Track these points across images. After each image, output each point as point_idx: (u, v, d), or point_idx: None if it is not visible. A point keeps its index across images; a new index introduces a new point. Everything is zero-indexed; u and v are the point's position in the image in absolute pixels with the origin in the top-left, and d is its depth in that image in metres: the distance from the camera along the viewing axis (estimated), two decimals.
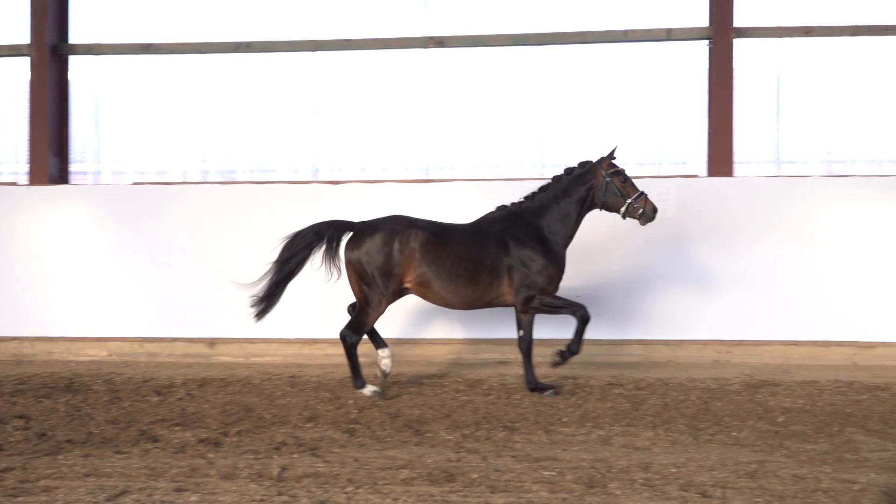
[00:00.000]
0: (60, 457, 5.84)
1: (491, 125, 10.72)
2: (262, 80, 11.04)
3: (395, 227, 7.89)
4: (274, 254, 7.99)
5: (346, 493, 5.13)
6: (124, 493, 5.10)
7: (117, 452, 5.96)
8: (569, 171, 8.17)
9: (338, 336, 7.90)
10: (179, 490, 5.16)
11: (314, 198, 10.05)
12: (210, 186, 10.53)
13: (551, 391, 7.82)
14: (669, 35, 10.40)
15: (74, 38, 11.23)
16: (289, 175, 10.83)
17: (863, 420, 6.81)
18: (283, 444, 6.17)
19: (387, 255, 7.76)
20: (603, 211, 8.14)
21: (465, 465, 5.67)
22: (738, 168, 10.24)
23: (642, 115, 10.55)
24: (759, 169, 10.41)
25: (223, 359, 9.84)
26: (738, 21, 10.22)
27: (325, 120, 10.94)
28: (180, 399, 7.67)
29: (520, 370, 8.82)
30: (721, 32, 10.17)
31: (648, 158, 10.55)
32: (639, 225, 8.11)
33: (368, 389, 7.82)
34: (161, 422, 6.80)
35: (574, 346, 7.86)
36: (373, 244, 7.80)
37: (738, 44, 10.26)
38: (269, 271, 7.99)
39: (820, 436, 6.39)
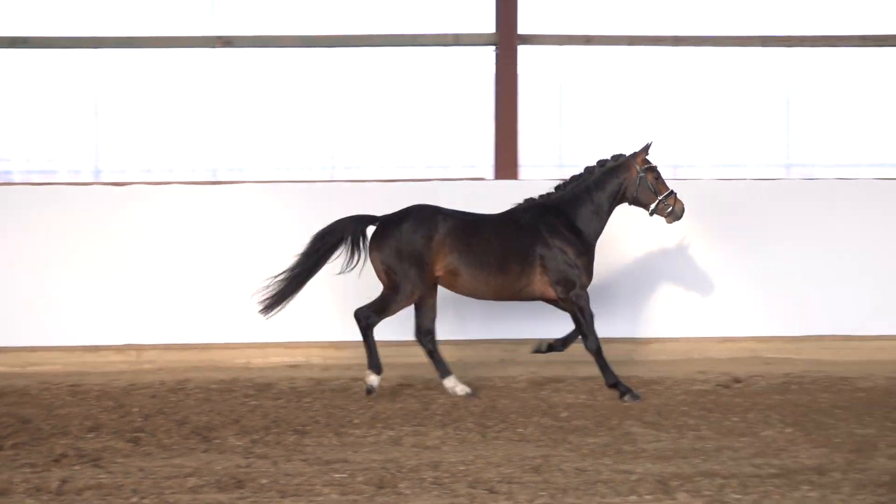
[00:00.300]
0: None
1: (281, 127, 10.62)
2: (40, 77, 10.56)
3: (422, 215, 7.80)
4: (298, 250, 7.87)
5: (131, 503, 4.99)
6: None
7: None
8: (602, 163, 8.06)
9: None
10: None
11: (96, 200, 9.69)
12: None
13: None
14: (457, 40, 10.57)
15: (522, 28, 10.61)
16: (70, 177, 10.40)
17: (640, 413, 7.12)
18: (64, 455, 5.93)
19: (415, 244, 7.66)
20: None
21: (254, 471, 5.61)
22: (523, 171, 10.51)
23: (432, 118, 10.68)
24: (543, 172, 10.71)
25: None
26: (523, 28, 10.48)
27: (108, 120, 10.56)
28: None
29: (310, 373, 8.80)
30: (506, 39, 10.42)
31: (437, 161, 10.68)
32: (665, 223, 8.10)
33: (370, 380, 7.76)
34: None
35: (610, 380, 7.77)
36: (400, 234, 7.69)
37: (524, 50, 10.52)
38: (289, 267, 7.82)
39: (601, 429, 6.65)
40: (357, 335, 7.92)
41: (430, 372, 8.65)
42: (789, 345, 9.60)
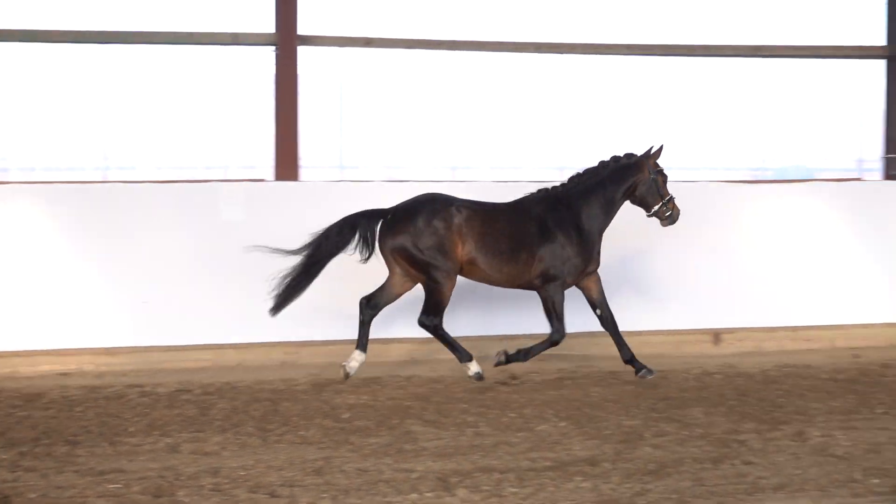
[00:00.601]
0: None
1: (51, 125, 10.20)
2: None
3: (436, 205, 7.98)
4: (303, 248, 8.03)
5: None
6: None
7: None
8: (616, 158, 8.32)
9: None
10: None
11: None
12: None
13: (645, 371, 8.28)
14: (236, 39, 10.42)
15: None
16: None
17: (420, 412, 7.21)
18: None
19: (435, 231, 7.88)
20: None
21: (21, 485, 5.37)
22: (304, 172, 10.46)
23: (211, 118, 10.50)
24: (324, 173, 10.71)
25: None
26: (303, 29, 10.43)
27: None
28: None
29: (83, 380, 8.50)
30: (286, 39, 10.33)
31: (217, 162, 10.52)
32: (661, 226, 8.47)
33: (472, 368, 8.14)
34: None
35: (524, 355, 8.22)
36: (417, 226, 7.89)
37: (304, 51, 10.48)
38: (295, 265, 8.03)
39: (382, 429, 6.69)
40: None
41: (210, 377, 8.52)
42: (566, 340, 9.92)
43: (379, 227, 8.18)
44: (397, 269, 8.22)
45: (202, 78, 10.53)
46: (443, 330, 8.18)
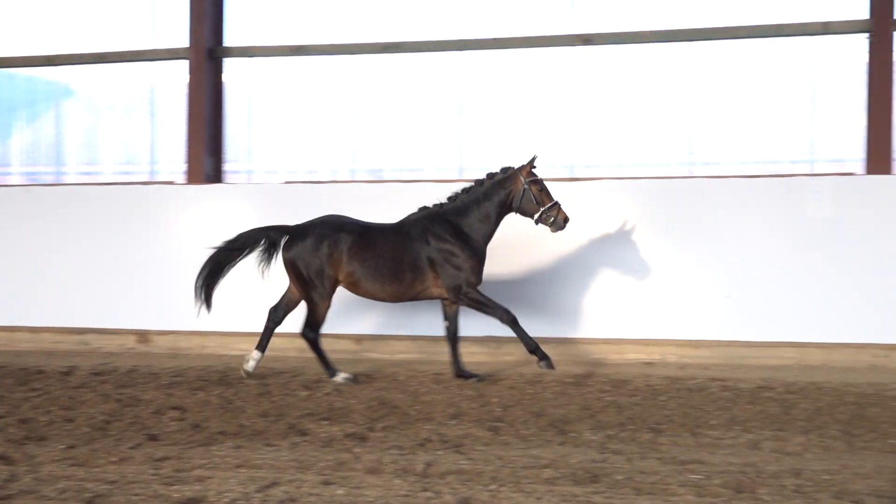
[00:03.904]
0: (213, 447, 6.02)
1: (637, 123, 10.59)
2: (409, 80, 11.17)
3: (324, 230, 8.42)
4: (218, 243, 8.56)
5: (490, 490, 5.14)
6: (274, 484, 5.23)
7: (267, 445, 6.11)
8: (491, 175, 8.54)
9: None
10: (326, 483, 5.26)
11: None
12: (358, 185, 10.72)
13: (475, 378, 8.34)
14: (827, 28, 10.07)
15: (229, 40, 11.57)
16: (435, 174, 10.93)
17: None
18: (428, 440, 6.22)
19: (319, 257, 8.32)
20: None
21: (609, 466, 5.61)
22: None
23: (794, 110, 10.25)
24: None
25: (370, 355, 9.99)
26: None
27: (470, 119, 11.00)
28: (328, 394, 7.81)
29: (666, 371, 8.72)
30: (881, 25, 9.79)
31: (802, 156, 10.25)
32: (550, 233, 8.41)
33: (340, 377, 8.36)
34: (309, 416, 6.94)
35: (530, 346, 8.24)
36: (304, 247, 8.37)
37: None
38: (206, 261, 8.54)
39: None
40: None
41: (794, 375, 8.32)
42: None
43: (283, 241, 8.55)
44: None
45: (787, 69, 10.30)
46: (319, 345, 8.46)
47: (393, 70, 11.20)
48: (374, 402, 7.40)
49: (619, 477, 5.38)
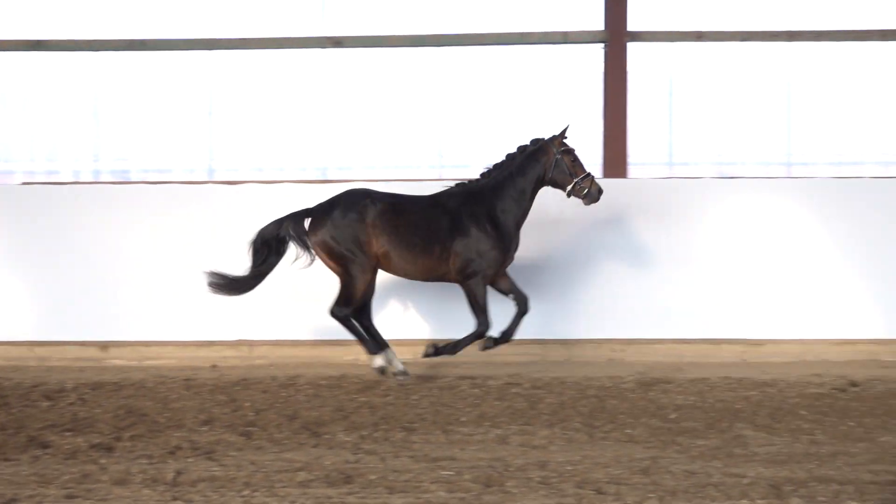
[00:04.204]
0: None
1: (389, 126, 10.70)
2: (156, 79, 10.85)
3: (350, 200, 8.16)
4: (247, 259, 8.26)
5: (243, 496, 5.09)
6: (13, 501, 4.98)
7: (5, 460, 5.80)
8: (522, 148, 8.35)
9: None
10: (70, 497, 5.06)
11: (210, 198, 9.89)
12: (102, 186, 10.32)
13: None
14: (566, 38, 10.51)
15: None
16: (184, 175, 10.66)
17: (751, 416, 6.98)
18: (178, 448, 6.08)
19: (350, 225, 8.04)
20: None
21: (362, 467, 5.67)
22: (632, 170, 10.40)
23: (538, 116, 10.63)
24: (652, 171, 10.59)
25: (116, 362, 9.63)
26: (633, 25, 10.36)
27: (221, 120, 10.80)
28: (71, 404, 7.49)
29: (416, 371, 8.82)
30: (615, 36, 10.32)
31: None
32: (583, 204, 8.32)
33: (377, 362, 8.23)
34: (51, 427, 6.65)
35: (451, 348, 8.26)
36: (334, 220, 8.07)
37: (632, 47, 10.40)
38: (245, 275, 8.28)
39: (711, 431, 6.54)
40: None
41: (539, 371, 8.64)
42: None
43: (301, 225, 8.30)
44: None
45: (531, 76, 10.69)
46: (352, 322, 8.21)
47: (140, 68, 10.84)
48: (121, 411, 7.16)
49: (373, 476, 5.45)
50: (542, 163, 8.24)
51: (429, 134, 10.69)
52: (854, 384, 8.00)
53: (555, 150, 8.23)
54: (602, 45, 10.41)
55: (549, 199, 8.71)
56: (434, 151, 10.69)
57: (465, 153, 10.66)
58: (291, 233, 8.24)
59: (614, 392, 7.85)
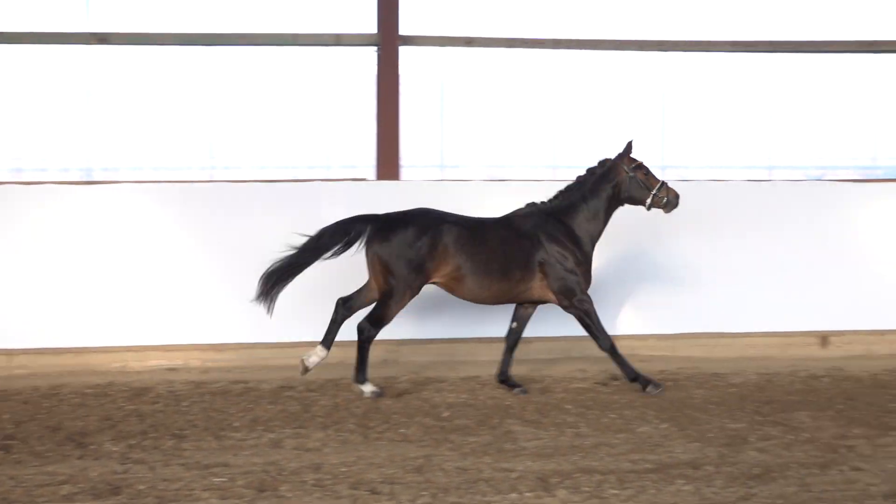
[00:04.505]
0: None
1: (158, 125, 10.41)
2: None
3: (427, 221, 7.85)
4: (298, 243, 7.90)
5: None
6: None
7: None
8: (591, 170, 8.24)
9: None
10: None
11: None
12: None
13: (519, 390, 7.97)
14: (338, 40, 10.53)
15: None
16: None
17: (520, 412, 7.21)
18: None
19: (421, 248, 7.71)
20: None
21: (131, 477, 5.51)
22: (404, 172, 10.53)
23: (312, 118, 10.61)
24: (425, 173, 10.75)
25: None
26: (405, 29, 10.48)
27: None
28: None
29: (189, 376, 8.67)
30: (388, 39, 10.41)
31: (318, 161, 10.63)
32: (664, 213, 8.26)
33: (368, 388, 7.82)
34: None
35: (631, 375, 7.99)
36: (404, 238, 7.72)
37: (405, 51, 10.52)
38: (284, 258, 7.89)
39: (482, 428, 6.71)
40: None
41: (313, 374, 8.58)
42: (663, 342, 9.82)
43: (369, 231, 8.00)
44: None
45: (305, 78, 10.64)
46: (369, 346, 7.94)
47: None
48: None
49: (142, 487, 5.31)
50: (615, 182, 8.15)
51: (199, 133, 10.46)
52: (615, 378, 8.36)
53: (626, 168, 8.15)
54: (375, 48, 10.49)
55: None
56: (205, 152, 10.47)
57: (236, 154, 10.50)
58: (357, 236, 7.94)
59: (388, 392, 7.93)
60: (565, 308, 8.06)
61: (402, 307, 7.87)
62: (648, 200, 8.15)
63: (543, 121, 10.94)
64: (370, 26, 10.50)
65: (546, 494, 5.26)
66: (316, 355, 7.94)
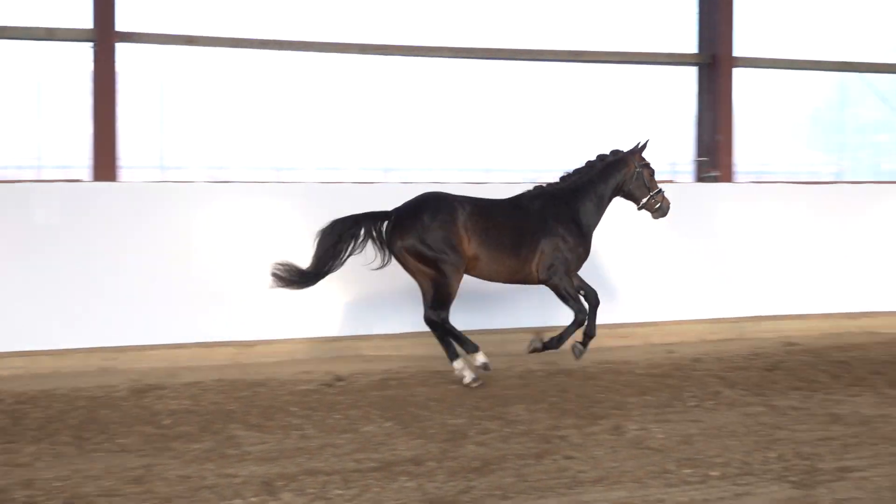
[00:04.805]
0: None
1: None
2: None
3: (438, 203, 8.05)
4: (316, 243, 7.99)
5: None
6: None
7: None
8: (602, 157, 8.53)
9: None
10: None
11: None
12: None
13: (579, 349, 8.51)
14: (51, 35, 10.04)
15: None
16: None
17: (244, 416, 7.12)
18: None
19: (441, 228, 7.91)
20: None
21: None
22: (123, 173, 10.17)
23: (23, 115, 10.10)
24: (144, 174, 10.45)
25: None
26: (122, 26, 10.12)
27: None
28: None
29: None
30: (104, 36, 10.02)
31: (28, 161, 10.13)
32: (652, 218, 8.66)
33: (480, 358, 8.18)
34: None
35: (556, 342, 8.35)
36: (424, 224, 7.91)
37: (122, 48, 10.17)
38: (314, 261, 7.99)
39: (205, 434, 6.59)
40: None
41: (23, 385, 8.15)
42: (389, 342, 9.94)
43: (384, 229, 8.15)
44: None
45: (16, 74, 10.12)
46: (450, 324, 8.14)
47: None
48: None
49: None
50: (623, 173, 8.44)
51: None
52: (340, 379, 8.42)
53: (636, 163, 8.43)
54: (91, 44, 10.06)
55: None
56: None
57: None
58: (374, 234, 8.05)
59: (106, 402, 7.63)
60: (542, 281, 8.36)
61: (458, 282, 8.08)
62: (644, 200, 8.55)
63: (266, 121, 10.89)
64: (87, 22, 10.07)
65: (271, 498, 5.23)
66: (468, 369, 8.18)
